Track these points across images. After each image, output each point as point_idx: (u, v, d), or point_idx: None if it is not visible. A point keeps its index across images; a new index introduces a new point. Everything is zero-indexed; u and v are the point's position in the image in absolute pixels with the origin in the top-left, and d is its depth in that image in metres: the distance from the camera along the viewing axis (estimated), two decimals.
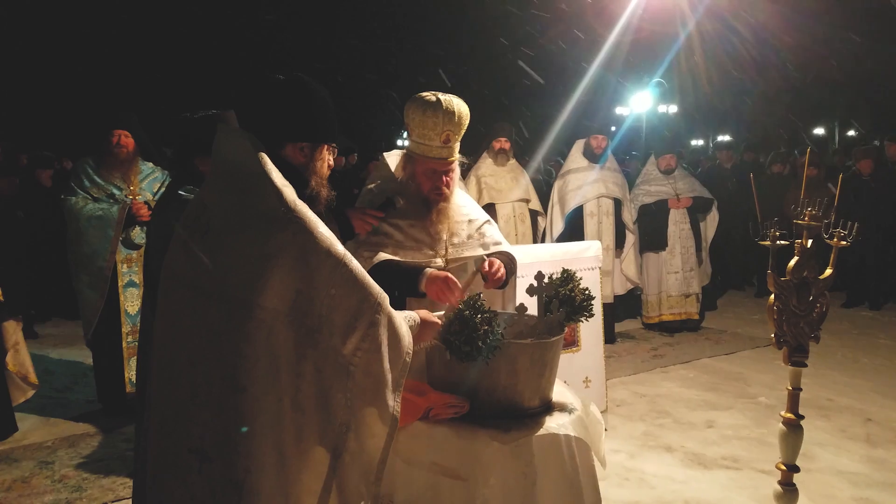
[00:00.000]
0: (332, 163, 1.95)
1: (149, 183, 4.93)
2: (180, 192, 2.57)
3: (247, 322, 1.54)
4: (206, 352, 1.59)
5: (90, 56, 18.43)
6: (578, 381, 4.16)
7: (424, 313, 2.01)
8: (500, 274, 2.44)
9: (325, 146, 1.91)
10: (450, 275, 2.35)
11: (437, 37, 21.85)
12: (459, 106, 2.48)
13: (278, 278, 1.55)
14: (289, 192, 1.63)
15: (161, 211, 2.73)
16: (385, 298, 1.71)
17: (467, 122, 2.52)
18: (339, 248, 1.63)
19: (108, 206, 4.68)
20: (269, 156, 1.69)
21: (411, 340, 1.81)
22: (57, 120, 15.48)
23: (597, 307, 4.16)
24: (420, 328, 1.96)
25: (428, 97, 2.46)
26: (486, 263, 2.41)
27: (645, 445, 4.25)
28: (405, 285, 2.39)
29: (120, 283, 4.74)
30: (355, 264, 1.66)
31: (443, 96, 2.47)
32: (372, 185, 2.72)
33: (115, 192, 4.75)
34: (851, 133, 26.31)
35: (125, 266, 4.77)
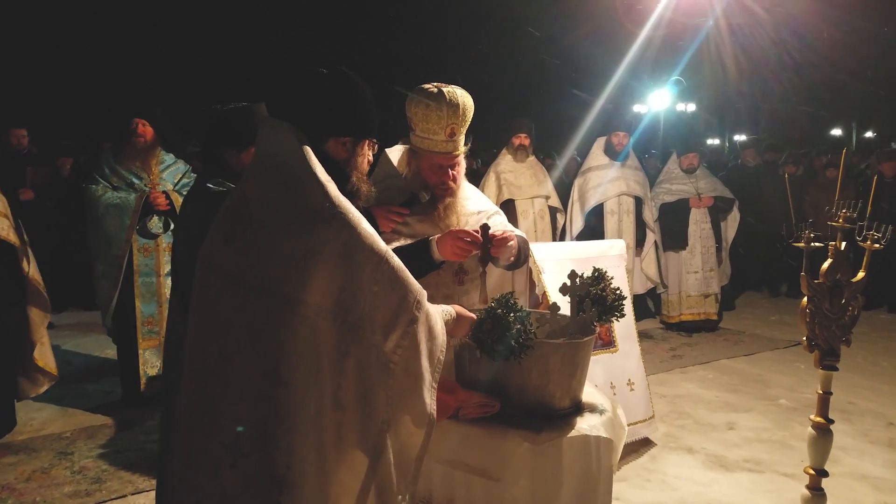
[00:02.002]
0: (371, 158, 1.93)
1: (170, 173, 4.92)
2: (209, 184, 2.55)
3: (290, 317, 1.53)
4: (245, 345, 1.58)
5: (116, 47, 18.48)
6: (623, 384, 4.05)
7: (460, 308, 2.00)
8: (508, 237, 2.42)
9: (367, 141, 1.89)
10: (452, 228, 2.36)
11: (460, 33, 21.78)
12: (463, 97, 2.39)
13: (322, 274, 1.54)
14: (332, 187, 1.62)
15: (189, 203, 2.71)
16: (423, 295, 1.70)
17: (472, 113, 2.44)
18: (381, 244, 1.62)
19: (126, 194, 4.69)
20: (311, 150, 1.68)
21: (445, 338, 1.80)
22: (80, 109, 15.54)
23: (628, 307, 4.11)
24: (455, 322, 1.95)
25: (430, 89, 2.37)
26: (500, 232, 2.41)
27: (666, 447, 4.21)
28: (419, 264, 2.34)
29: (136, 272, 4.74)
30: (396, 261, 1.65)
31: (446, 88, 2.37)
32: (376, 182, 2.64)
33: (135, 180, 4.75)
34: (869, 134, 26.04)
35: (142, 255, 4.76)
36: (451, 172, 2.50)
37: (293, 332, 1.53)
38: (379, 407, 1.60)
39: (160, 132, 4.86)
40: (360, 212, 2.01)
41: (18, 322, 4.30)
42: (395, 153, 2.67)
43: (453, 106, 2.36)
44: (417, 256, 2.35)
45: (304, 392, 1.53)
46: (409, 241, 2.48)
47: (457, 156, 2.49)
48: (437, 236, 2.40)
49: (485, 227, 2.40)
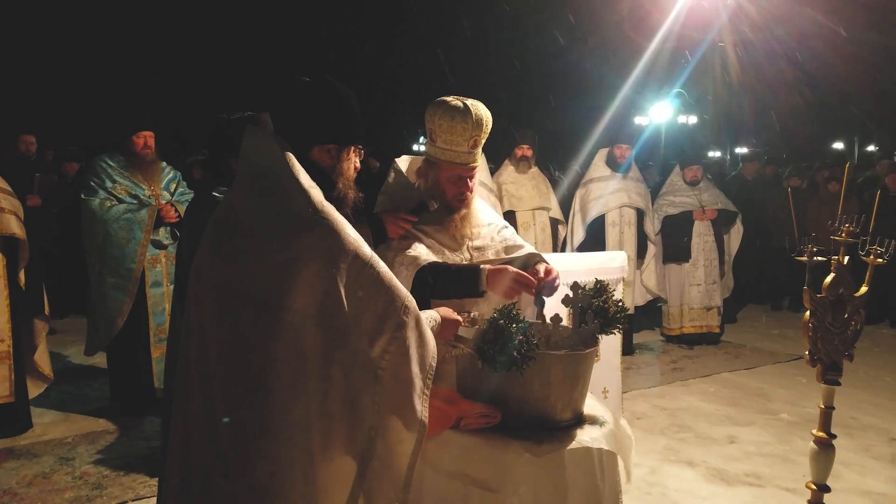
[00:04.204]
0: (358, 164, 1.93)
1: (167, 183, 4.95)
2: (214, 193, 2.56)
3: (274, 324, 1.53)
4: (230, 354, 1.57)
5: (110, 56, 18.61)
6: (597, 392, 4.09)
7: (444, 310, 2.00)
8: (554, 275, 2.44)
9: (352, 148, 1.90)
10: (509, 267, 2.37)
11: (461, 44, 21.90)
12: (486, 111, 2.47)
13: (306, 280, 1.53)
14: (316, 193, 1.62)
15: (193, 212, 2.72)
16: (411, 300, 1.69)
17: (491, 126, 2.51)
18: (366, 249, 1.62)
19: (135, 207, 4.70)
20: (296, 158, 1.68)
21: (435, 344, 1.79)
22: (81, 117, 15.63)
23: None
24: (440, 326, 1.95)
25: (455, 103, 2.43)
26: (543, 270, 2.41)
27: (666, 460, 4.20)
28: (463, 288, 2.39)
29: (147, 283, 4.77)
30: (382, 266, 1.64)
31: (469, 102, 2.44)
32: (389, 192, 2.66)
33: (139, 192, 4.76)
34: (871, 148, 26.06)
35: (151, 266, 4.79)
36: (469, 183, 2.54)
37: (277, 339, 1.52)
38: (366, 414, 1.58)
39: (159, 143, 4.89)
40: (371, 217, 2.00)
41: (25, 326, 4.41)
42: (405, 163, 2.70)
43: (478, 119, 2.43)
44: (464, 280, 2.39)
45: (288, 399, 1.52)
46: (429, 249, 2.49)
47: (475, 167, 2.54)
48: (488, 268, 2.40)
49: (535, 272, 2.42)
